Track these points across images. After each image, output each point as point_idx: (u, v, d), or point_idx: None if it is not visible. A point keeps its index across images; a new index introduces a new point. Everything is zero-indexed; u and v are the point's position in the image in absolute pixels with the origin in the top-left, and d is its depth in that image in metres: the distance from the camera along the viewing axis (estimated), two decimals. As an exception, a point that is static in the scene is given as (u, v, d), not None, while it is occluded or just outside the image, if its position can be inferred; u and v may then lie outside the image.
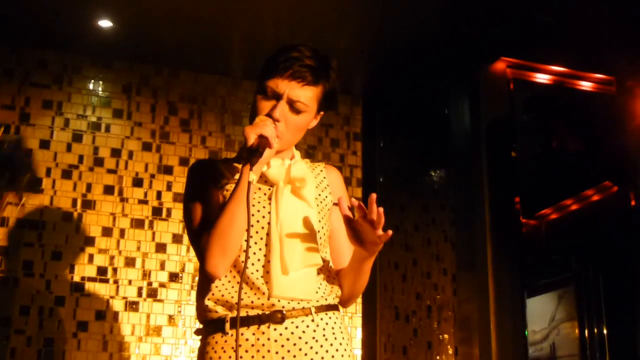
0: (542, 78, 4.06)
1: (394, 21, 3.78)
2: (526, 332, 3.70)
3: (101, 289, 3.91)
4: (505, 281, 3.65)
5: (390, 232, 1.71)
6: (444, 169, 4.92)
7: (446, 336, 4.67)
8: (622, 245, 3.94)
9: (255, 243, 1.80)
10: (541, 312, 4.52)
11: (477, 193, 3.79)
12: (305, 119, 1.87)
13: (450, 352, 4.64)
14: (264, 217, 1.81)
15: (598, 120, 4.32)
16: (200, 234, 1.80)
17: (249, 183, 1.72)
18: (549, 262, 4.59)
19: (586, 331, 4.28)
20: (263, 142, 1.73)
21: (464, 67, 4.02)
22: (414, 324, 4.55)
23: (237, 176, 1.87)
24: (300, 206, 1.84)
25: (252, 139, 1.72)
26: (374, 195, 1.68)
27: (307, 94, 1.83)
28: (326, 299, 1.86)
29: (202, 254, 1.78)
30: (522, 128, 4.17)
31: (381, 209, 1.68)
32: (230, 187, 1.86)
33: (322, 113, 1.93)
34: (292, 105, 1.83)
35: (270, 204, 1.82)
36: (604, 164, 4.19)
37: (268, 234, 1.80)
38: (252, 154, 1.72)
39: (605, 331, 4.21)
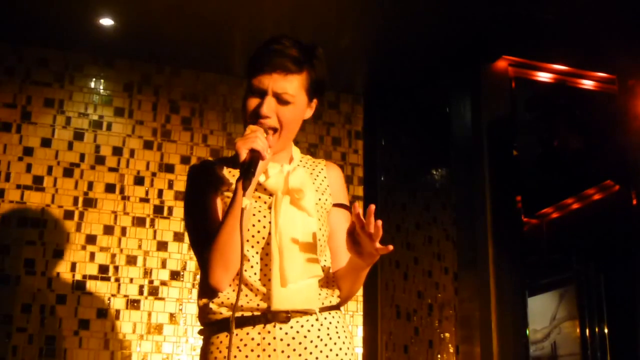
0: (543, 77, 4.05)
1: (395, 20, 3.78)
2: (527, 331, 3.70)
3: (102, 287, 3.91)
4: (507, 280, 3.65)
5: (390, 247, 1.68)
6: (446, 168, 4.91)
7: (447, 335, 4.67)
8: (623, 245, 3.95)
9: (257, 252, 1.80)
10: (542, 311, 4.52)
11: (479, 192, 3.78)
12: (297, 110, 1.85)
13: (452, 350, 4.64)
14: (264, 227, 1.81)
15: (600, 119, 4.32)
16: (202, 246, 1.80)
17: (242, 210, 1.70)
18: (550, 261, 4.60)
19: (587, 330, 4.28)
20: (255, 156, 1.71)
21: (465, 66, 4.02)
22: (415, 322, 4.55)
23: (235, 178, 1.86)
24: (299, 216, 1.82)
25: (244, 155, 1.71)
26: (372, 207, 1.65)
27: (292, 85, 1.81)
28: (330, 301, 1.86)
29: (204, 268, 1.78)
30: (523, 127, 4.17)
31: (379, 222, 1.65)
32: (230, 193, 1.84)
33: (315, 101, 1.90)
34: (279, 98, 1.81)
35: (270, 213, 1.81)
36: (606, 163, 4.18)
37: (268, 243, 1.79)
38: (244, 173, 1.70)
39: (606, 330, 4.22)
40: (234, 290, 1.78)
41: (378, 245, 1.68)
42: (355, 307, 4.28)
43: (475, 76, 3.93)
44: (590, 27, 3.72)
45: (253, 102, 1.82)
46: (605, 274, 4.30)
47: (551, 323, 4.52)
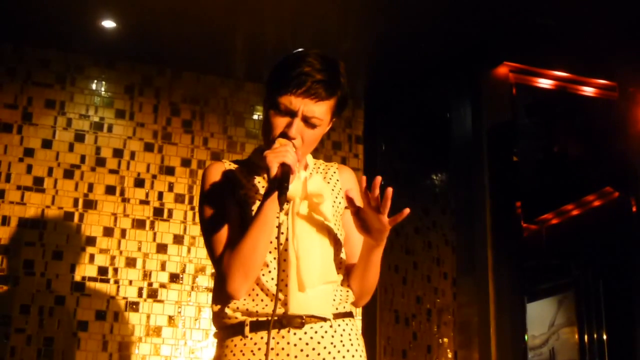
0: (544, 83, 4.06)
1: (396, 25, 3.79)
2: (526, 337, 3.70)
3: (102, 289, 3.91)
4: (506, 285, 3.65)
5: (406, 210, 1.69)
6: (445, 173, 4.92)
7: (446, 340, 4.67)
8: (622, 251, 3.95)
9: (275, 258, 1.80)
10: (541, 317, 4.52)
11: (478, 197, 3.79)
12: (321, 132, 1.86)
13: (450, 355, 4.64)
14: (282, 232, 1.80)
15: (600, 125, 4.32)
16: (220, 252, 1.80)
17: (279, 225, 1.72)
18: (549, 267, 4.60)
19: (586, 336, 4.28)
20: (286, 170, 1.70)
21: (466, 71, 4.02)
22: (413, 327, 4.55)
23: (253, 184, 1.88)
24: (317, 222, 1.83)
25: (275, 169, 1.69)
26: (378, 179, 1.67)
27: (321, 109, 1.82)
28: (344, 307, 1.87)
29: (222, 276, 1.78)
30: (523, 132, 4.18)
31: (390, 189, 1.67)
32: (249, 198, 1.85)
33: (334, 119, 1.92)
34: (307, 121, 1.81)
35: (287, 218, 1.81)
36: (605, 170, 4.19)
37: (286, 249, 1.79)
38: (279, 188, 1.68)
39: (604, 336, 4.21)
40: (249, 295, 1.79)
41: (385, 218, 1.70)
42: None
43: (476, 82, 3.93)
44: (591, 34, 3.73)
45: (281, 121, 1.81)
46: (604, 281, 4.29)
47: (550, 329, 4.52)
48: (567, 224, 4.54)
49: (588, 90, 4.13)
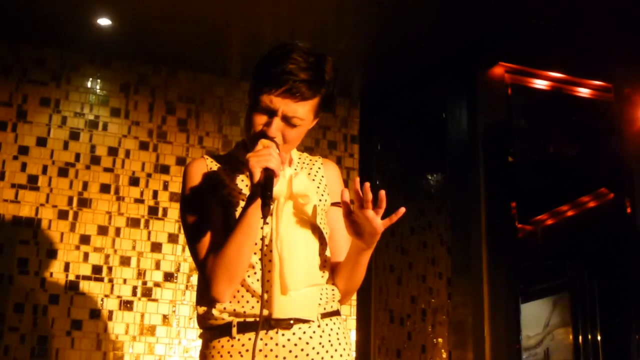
0: (540, 84, 4.06)
1: (392, 25, 3.79)
2: (520, 337, 3.70)
3: (96, 288, 3.90)
4: (500, 286, 3.65)
5: (402, 209, 1.67)
6: (441, 173, 4.92)
7: (440, 340, 4.67)
8: (617, 252, 3.95)
9: (260, 259, 1.77)
10: (535, 317, 4.52)
11: (474, 197, 3.79)
12: (302, 130, 1.82)
13: (444, 355, 4.64)
14: (265, 235, 1.76)
15: (595, 126, 4.33)
16: (204, 256, 1.77)
17: (263, 238, 1.70)
18: (544, 268, 4.60)
19: (580, 337, 4.28)
20: (270, 175, 1.66)
21: (462, 72, 4.02)
22: (408, 327, 4.55)
23: (236, 183, 1.84)
24: (302, 221, 1.80)
25: (258, 174, 1.65)
26: (367, 185, 1.65)
27: (304, 109, 1.77)
28: (332, 306, 1.85)
29: (207, 279, 1.75)
30: (519, 133, 4.18)
31: (382, 192, 1.65)
32: (232, 198, 1.82)
33: (320, 115, 1.88)
34: (288, 121, 1.77)
35: (272, 219, 1.76)
36: (601, 171, 4.19)
37: (271, 250, 1.76)
38: (263, 197, 1.64)
39: (599, 337, 4.21)
40: (234, 297, 1.77)
41: (379, 221, 1.67)
42: (349, 311, 4.28)
43: (472, 82, 3.93)
44: (587, 35, 3.74)
45: (260, 119, 1.77)
46: (599, 281, 4.30)
47: (544, 329, 4.52)
48: (562, 225, 4.54)
49: (583, 91, 4.14)
